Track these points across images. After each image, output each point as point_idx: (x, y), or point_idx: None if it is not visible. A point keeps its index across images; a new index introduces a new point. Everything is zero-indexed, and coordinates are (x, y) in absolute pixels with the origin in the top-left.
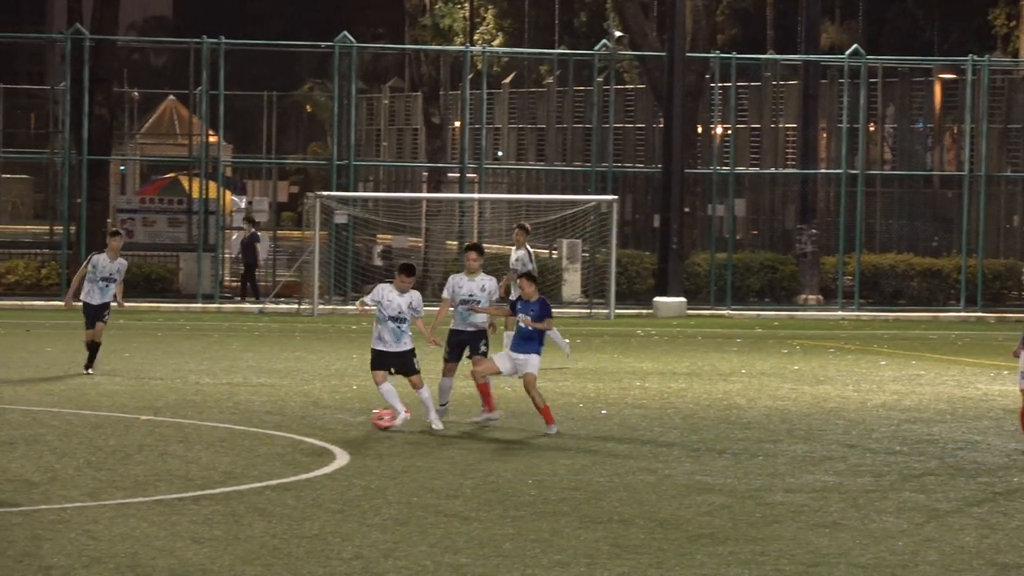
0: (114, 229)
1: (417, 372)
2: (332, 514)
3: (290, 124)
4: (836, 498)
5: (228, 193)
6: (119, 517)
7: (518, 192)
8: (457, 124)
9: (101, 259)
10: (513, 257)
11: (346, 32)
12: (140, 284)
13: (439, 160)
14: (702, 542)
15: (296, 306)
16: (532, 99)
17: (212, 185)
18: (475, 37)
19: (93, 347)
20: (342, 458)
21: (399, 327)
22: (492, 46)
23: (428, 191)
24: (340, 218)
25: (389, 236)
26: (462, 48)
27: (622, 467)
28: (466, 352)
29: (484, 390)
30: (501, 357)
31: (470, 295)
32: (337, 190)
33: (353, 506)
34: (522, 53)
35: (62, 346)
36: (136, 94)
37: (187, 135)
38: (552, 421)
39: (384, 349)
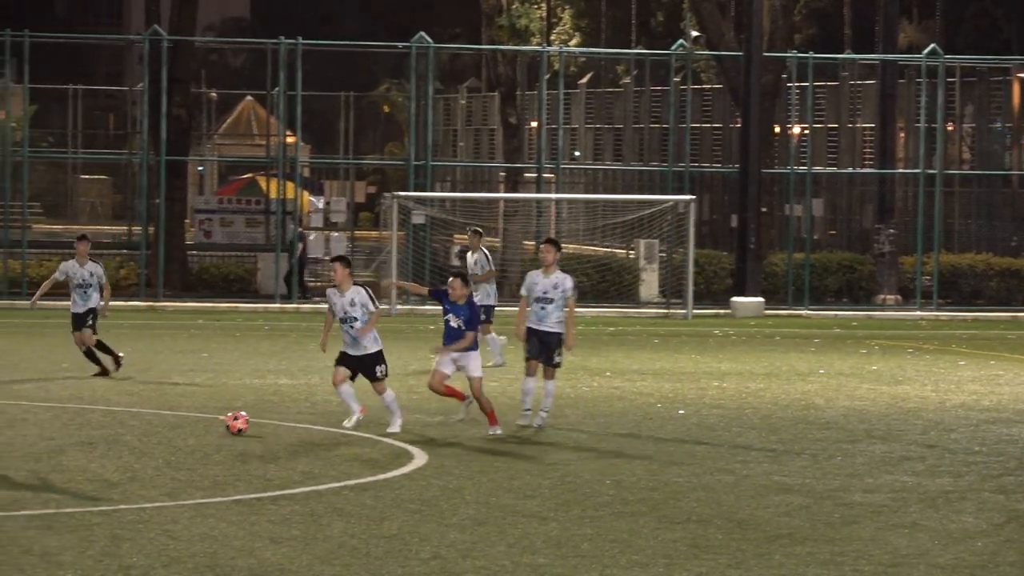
0: (80, 234)
1: (380, 379)
2: (410, 514)
3: (367, 124)
4: (915, 498)
5: (305, 193)
6: (198, 517)
7: (595, 192)
8: (534, 124)
9: (70, 266)
10: (471, 260)
11: (423, 32)
12: (218, 284)
13: (516, 160)
14: (780, 542)
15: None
16: (609, 99)
17: (290, 185)
18: (552, 37)
19: (89, 354)
20: (420, 458)
21: (351, 327)
22: (569, 46)
23: (505, 191)
24: (417, 218)
25: (466, 236)
26: (539, 48)
27: (700, 467)
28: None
29: (451, 391)
30: (445, 362)
31: (544, 293)
32: (414, 190)
33: (431, 506)
34: (599, 53)
35: (141, 346)
36: (214, 95)
37: (265, 136)
38: (496, 423)
39: (345, 351)
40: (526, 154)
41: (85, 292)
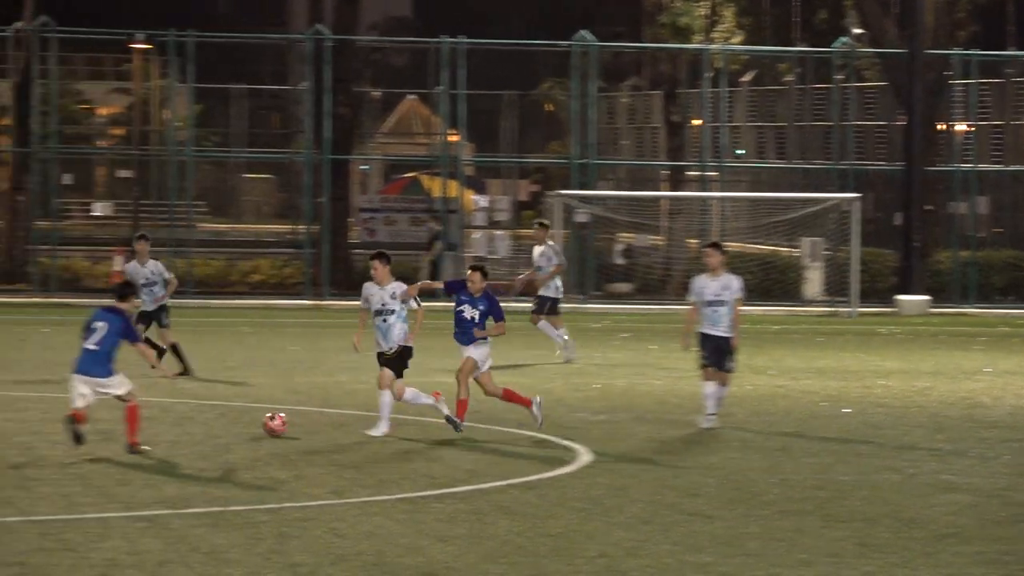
0: (139, 233)
1: (401, 377)
2: (575, 512)
3: (530, 123)
4: None
5: (469, 192)
6: (364, 515)
7: (758, 190)
8: (696, 122)
9: (132, 266)
10: (536, 252)
11: (584, 31)
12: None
13: (679, 158)
14: (948, 541)
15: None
16: (772, 97)
17: (453, 184)
18: (714, 35)
19: (175, 350)
20: (585, 456)
21: (384, 321)
22: (730, 44)
23: (668, 190)
24: (581, 217)
25: (630, 235)
26: (701, 47)
27: (866, 466)
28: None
29: (515, 397)
30: (470, 350)
31: (715, 296)
32: (577, 189)
33: (596, 504)
34: (761, 51)
35: (306, 345)
36: (377, 94)
37: (427, 134)
38: (462, 418)
39: (379, 349)
40: (688, 152)
41: (151, 290)
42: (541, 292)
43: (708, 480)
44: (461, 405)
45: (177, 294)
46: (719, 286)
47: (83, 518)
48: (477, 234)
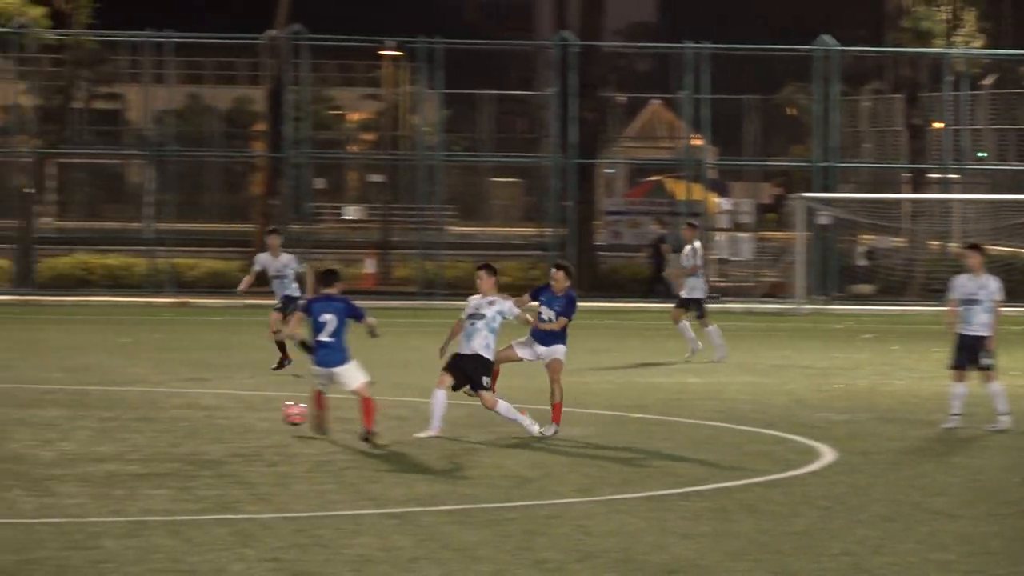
0: (271, 227)
1: (485, 388)
2: (819, 511)
3: (772, 127)
4: None
5: (712, 195)
6: (610, 513)
7: (999, 193)
8: (938, 125)
9: (264, 258)
10: (685, 252)
11: (826, 36)
12: (627, 284)
13: (920, 161)
14: None
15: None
16: (1013, 100)
17: (697, 187)
18: (955, 39)
19: (302, 345)
20: (828, 456)
21: (472, 324)
22: (972, 48)
23: (910, 192)
24: (823, 219)
25: (872, 236)
26: (942, 51)
27: None
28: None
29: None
30: (522, 345)
31: (970, 295)
32: (819, 192)
33: (840, 503)
34: (1003, 55)
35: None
36: (622, 98)
37: (672, 138)
38: (558, 421)
39: (459, 351)
40: (930, 155)
41: (281, 282)
42: (684, 294)
43: (951, 480)
44: (556, 409)
45: (426, 295)
46: (976, 286)
47: (336, 515)
48: (720, 236)
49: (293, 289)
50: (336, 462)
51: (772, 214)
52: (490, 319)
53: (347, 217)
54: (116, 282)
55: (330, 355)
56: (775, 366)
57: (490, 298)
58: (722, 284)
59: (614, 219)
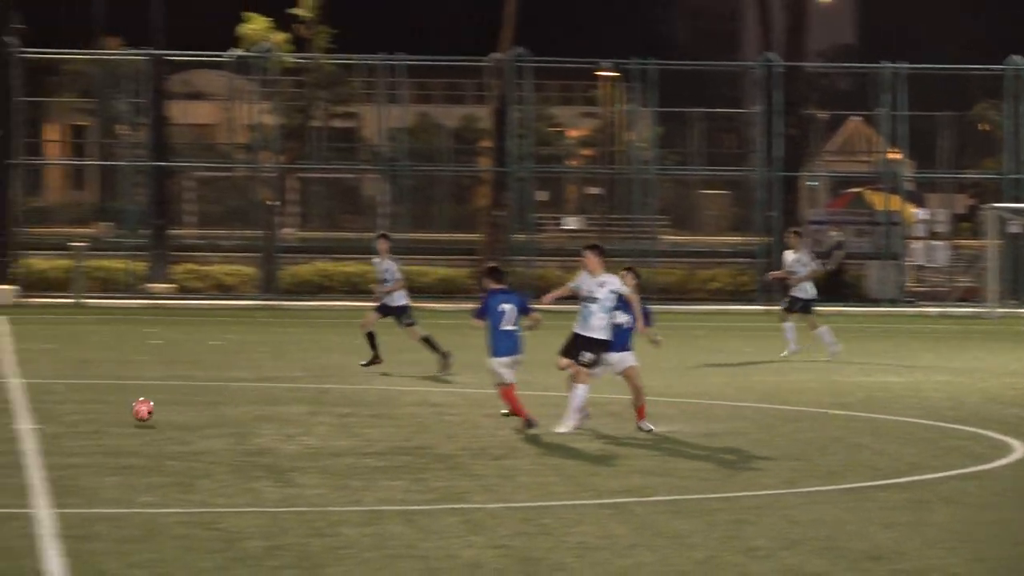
0: (380, 232)
1: (582, 363)
2: (1013, 502)
3: (965, 141)
4: None
5: (910, 206)
6: (813, 503)
7: None
8: None
9: (376, 260)
10: (791, 258)
11: (1016, 56)
12: (826, 287)
13: None
14: None
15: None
16: None
17: (895, 198)
18: None
19: (370, 337)
20: (1020, 450)
21: (586, 307)
22: None
23: None
24: (1014, 228)
25: None
26: None
27: None
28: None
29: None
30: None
31: None
32: (1010, 202)
33: None
34: None
35: (759, 345)
36: (823, 115)
37: (870, 152)
38: (643, 417)
39: (576, 331)
40: None
41: (383, 284)
42: (794, 292)
43: None
44: (640, 411)
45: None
46: None
47: (558, 504)
48: (917, 244)
49: (396, 296)
50: (556, 456)
51: (966, 223)
52: (603, 299)
53: (567, 227)
54: (353, 288)
55: (517, 343)
56: (969, 366)
57: (600, 279)
58: (919, 289)
59: (816, 228)
